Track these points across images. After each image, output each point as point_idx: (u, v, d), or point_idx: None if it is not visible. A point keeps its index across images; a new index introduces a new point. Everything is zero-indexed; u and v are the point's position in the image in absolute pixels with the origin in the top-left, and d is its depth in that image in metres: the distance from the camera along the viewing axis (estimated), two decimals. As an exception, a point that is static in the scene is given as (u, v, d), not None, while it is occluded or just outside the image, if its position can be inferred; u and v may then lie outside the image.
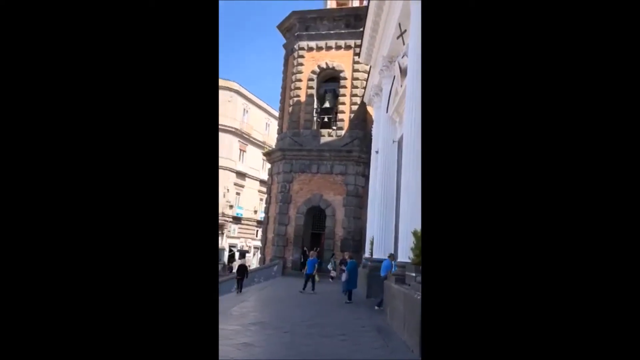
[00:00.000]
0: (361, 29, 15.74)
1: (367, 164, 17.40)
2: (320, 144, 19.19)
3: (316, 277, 12.84)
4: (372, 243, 12.57)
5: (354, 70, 19.25)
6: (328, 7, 20.52)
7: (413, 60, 7.34)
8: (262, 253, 20.03)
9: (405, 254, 6.97)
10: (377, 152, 13.44)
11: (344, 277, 10.69)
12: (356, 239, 17.75)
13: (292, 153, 19.10)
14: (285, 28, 20.57)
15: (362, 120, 19.02)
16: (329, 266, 16.48)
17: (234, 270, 14.25)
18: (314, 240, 18.85)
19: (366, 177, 17.51)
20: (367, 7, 12.78)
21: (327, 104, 19.73)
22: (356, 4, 20.37)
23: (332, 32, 19.54)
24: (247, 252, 30.47)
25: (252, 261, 30.13)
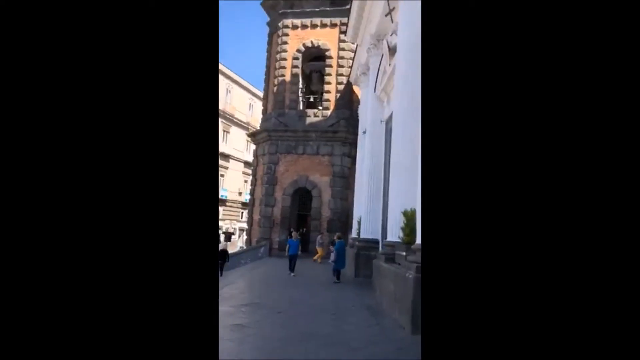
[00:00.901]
0: (347, 7, 15.53)
1: (353, 145, 17.31)
2: (306, 125, 19.07)
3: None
4: (359, 223, 12.61)
5: (340, 49, 19.08)
6: (313, -17, 19.77)
7: (403, 38, 7.21)
8: (248, 235, 19.99)
9: (395, 234, 7.01)
10: (364, 132, 13.44)
11: (332, 257, 10.69)
12: (342, 219, 17.82)
13: (278, 134, 18.96)
14: (269, 5, 20.21)
15: (348, 100, 18.91)
16: (317, 246, 16.50)
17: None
18: (300, 222, 18.91)
19: (353, 157, 17.39)
20: (354, -17, 12.33)
21: (312, 84, 19.69)
22: (342, -20, 19.70)
23: (317, 9, 19.22)
24: (233, 234, 30.37)
25: (238, 243, 30.04)
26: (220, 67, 31.09)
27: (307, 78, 19.88)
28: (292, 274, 11.36)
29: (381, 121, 11.70)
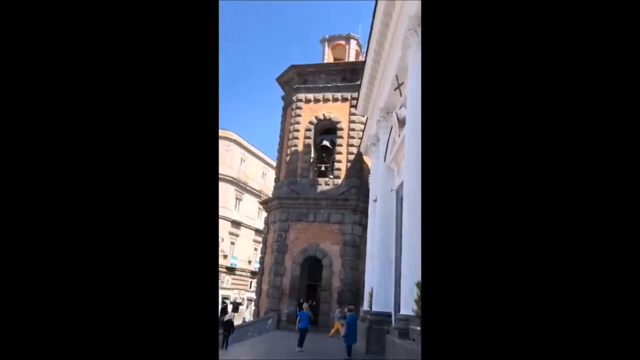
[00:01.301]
0: (357, 82, 16.34)
1: (364, 213, 17.24)
2: (317, 193, 19.11)
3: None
4: (371, 295, 12.20)
5: (351, 122, 19.64)
6: (325, 61, 21.27)
7: (412, 110, 7.45)
8: (256, 305, 19.33)
9: (409, 306, 6.67)
10: (375, 200, 13.42)
11: (343, 331, 10.12)
12: (353, 290, 17.23)
13: (289, 201, 18.95)
14: (284, 81, 21.15)
15: (358, 170, 19.08)
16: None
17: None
18: (310, 292, 18.34)
19: (363, 226, 17.27)
20: (364, 61, 13.19)
21: (324, 154, 20.01)
22: (352, 58, 21.01)
23: (329, 85, 20.10)
24: (240, 304, 29.41)
25: (246, 314, 28.93)
26: (236, 137, 32.18)
27: (318, 148, 20.33)
28: (300, 349, 10.71)
29: (392, 190, 11.77)
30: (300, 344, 10.94)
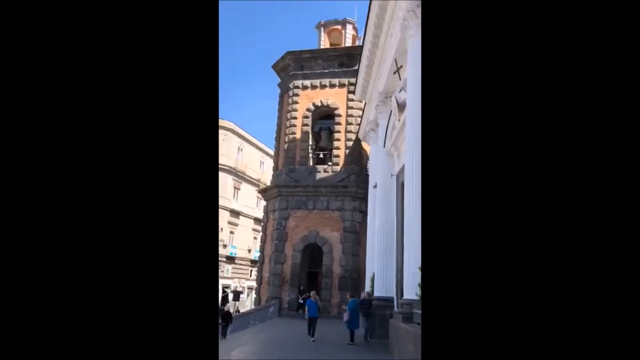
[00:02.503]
0: (355, 67, 16.12)
1: (364, 200, 17.19)
2: (316, 180, 18.98)
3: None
4: (372, 280, 12.19)
5: (349, 107, 19.43)
6: (322, 47, 21.04)
7: (412, 93, 7.31)
8: (257, 293, 19.39)
9: (412, 291, 6.65)
10: (375, 186, 13.32)
11: (345, 317, 10.10)
12: (354, 276, 17.23)
13: (288, 189, 18.85)
14: (280, 68, 20.89)
15: (357, 156, 18.92)
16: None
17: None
18: (311, 279, 18.35)
19: (363, 212, 17.22)
20: (361, 46, 13.02)
21: (322, 141, 19.85)
22: (349, 43, 20.73)
23: (326, 71, 19.82)
24: (241, 292, 29.54)
25: (247, 302, 29.06)
26: (233, 126, 31.94)
27: (316, 135, 20.10)
28: (312, 339, 10.33)
29: (392, 175, 11.71)
30: (312, 333, 10.63)
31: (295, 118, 19.83)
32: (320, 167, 19.27)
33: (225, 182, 29.71)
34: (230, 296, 26.03)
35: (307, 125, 19.66)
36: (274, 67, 20.65)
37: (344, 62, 19.74)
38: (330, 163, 19.27)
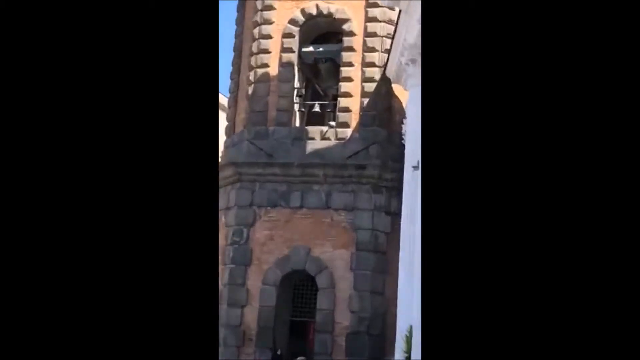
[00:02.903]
0: None
1: (394, 191, 12.98)
2: (307, 154, 13.75)
3: None
4: (409, 339, 8.71)
5: (368, 20, 14.20)
6: None
7: None
8: None
9: None
10: (416, 167, 9.64)
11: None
12: (374, 332, 12.87)
13: (255, 170, 13.85)
14: None
15: (383, 110, 14.10)
16: None
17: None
18: (295, 336, 13.97)
19: (393, 214, 13.04)
20: None
21: (319, 81, 15.30)
22: None
23: None
24: None
25: None
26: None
27: (308, 71, 15.46)
28: None
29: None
30: None
31: (267, 37, 14.75)
32: (314, 130, 14.50)
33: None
34: None
35: (290, 50, 14.61)
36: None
37: None
38: (333, 123, 14.50)
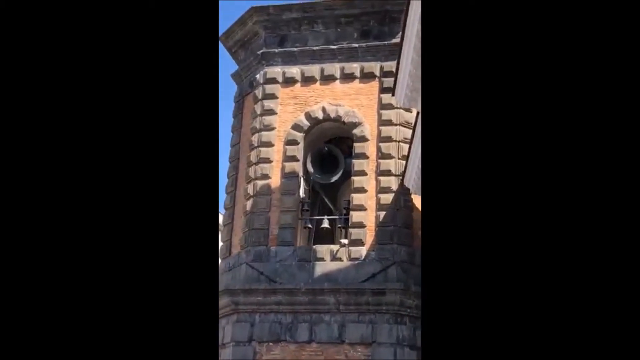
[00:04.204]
0: (393, 40, 11.25)
1: (420, 320, 12.23)
2: (316, 277, 11.98)
3: None
4: None
5: (382, 123, 12.57)
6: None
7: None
8: None
9: None
10: None
11: None
12: None
13: (254, 299, 11.90)
14: (238, 40, 14.10)
15: (403, 225, 12.26)
16: None
17: None
18: None
19: (420, 350, 11.69)
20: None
21: (326, 192, 13.39)
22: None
23: (332, 45, 13.09)
24: None
25: None
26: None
27: (314, 181, 13.82)
28: None
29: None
30: None
31: (269, 144, 13.16)
32: (323, 249, 12.66)
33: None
34: None
35: (294, 158, 13.05)
36: (225, 38, 13.60)
37: (369, 26, 13.33)
38: (345, 241, 12.60)
